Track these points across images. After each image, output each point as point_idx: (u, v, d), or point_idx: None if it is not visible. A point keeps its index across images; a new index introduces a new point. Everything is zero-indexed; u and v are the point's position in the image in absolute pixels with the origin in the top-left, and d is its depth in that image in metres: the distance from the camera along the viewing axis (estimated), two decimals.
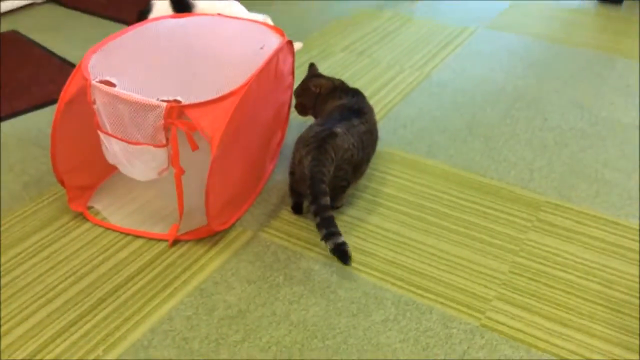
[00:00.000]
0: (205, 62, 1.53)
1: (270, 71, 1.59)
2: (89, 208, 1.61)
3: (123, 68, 1.45)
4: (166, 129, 1.33)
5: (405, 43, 2.66)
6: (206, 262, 1.46)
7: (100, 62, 1.45)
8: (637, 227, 1.60)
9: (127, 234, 1.53)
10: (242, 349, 1.24)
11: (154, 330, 1.28)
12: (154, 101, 1.32)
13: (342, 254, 1.40)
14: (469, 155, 1.89)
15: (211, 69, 1.51)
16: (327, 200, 1.41)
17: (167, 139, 1.35)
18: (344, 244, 1.40)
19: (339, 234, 1.40)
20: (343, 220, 1.60)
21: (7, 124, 2.01)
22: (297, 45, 2.20)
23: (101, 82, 1.36)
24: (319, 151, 1.44)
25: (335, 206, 1.62)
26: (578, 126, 2.07)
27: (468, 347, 1.26)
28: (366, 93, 2.12)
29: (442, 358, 1.23)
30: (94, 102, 1.36)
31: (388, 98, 2.21)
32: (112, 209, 1.60)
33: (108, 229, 1.55)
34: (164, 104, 1.31)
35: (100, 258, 1.46)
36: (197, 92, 1.39)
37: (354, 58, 2.52)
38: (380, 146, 1.90)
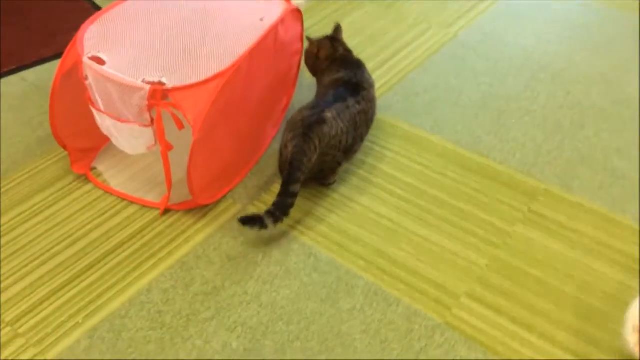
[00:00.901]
0: (202, 36, 1.53)
1: (267, 44, 1.58)
2: (93, 169, 1.69)
3: (117, 41, 1.47)
4: (150, 109, 1.37)
5: None
6: (192, 234, 1.52)
7: (96, 35, 1.47)
8: (635, 227, 1.55)
9: (124, 199, 1.60)
10: (210, 327, 1.32)
11: (132, 301, 1.37)
12: (138, 83, 1.34)
13: (245, 220, 1.43)
14: (475, 133, 1.85)
15: (206, 43, 1.51)
16: (295, 188, 1.44)
17: (152, 119, 1.38)
18: (258, 219, 1.42)
19: (276, 219, 1.43)
20: (332, 198, 1.62)
21: (31, 72, 2.08)
22: (300, 4, 2.15)
23: (92, 58, 1.40)
24: (303, 139, 1.45)
25: (326, 183, 1.64)
26: (599, 104, 1.97)
27: (426, 345, 1.29)
28: (386, 54, 2.07)
29: (397, 353, 1.28)
30: (86, 78, 1.40)
31: (407, 61, 2.15)
32: (113, 172, 1.67)
33: (107, 192, 1.62)
34: (147, 87, 1.34)
35: (95, 222, 1.55)
36: (186, 71, 1.41)
37: (382, 11, 2.44)
38: (386, 115, 1.89)
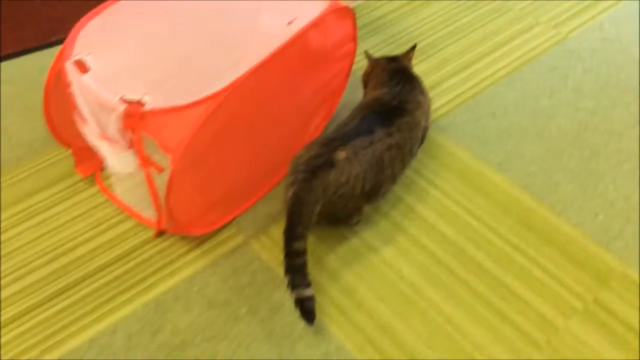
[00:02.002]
0: (210, 42, 1.30)
1: (292, 54, 1.32)
2: (104, 169, 1.55)
3: (113, 42, 1.28)
4: (127, 131, 1.17)
5: None
6: (181, 266, 1.34)
7: (93, 31, 1.29)
8: None
9: (122, 211, 1.45)
10: None
11: (93, 342, 1.22)
12: (112, 101, 1.15)
13: (305, 311, 1.19)
14: (554, 178, 1.48)
15: (213, 52, 1.28)
16: (300, 245, 1.19)
17: (131, 142, 1.19)
18: (309, 299, 1.19)
19: (306, 285, 1.19)
20: (350, 244, 1.36)
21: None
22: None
23: (77, 62, 1.22)
24: (303, 186, 1.20)
25: (348, 223, 1.38)
26: None
27: None
28: (467, 58, 1.74)
29: None
30: (70, 85, 1.23)
31: (492, 68, 1.78)
32: (120, 176, 1.52)
33: (108, 199, 1.48)
34: (122, 107, 1.14)
35: (87, 235, 1.41)
36: (176, 87, 1.19)
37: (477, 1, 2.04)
38: (446, 138, 1.57)
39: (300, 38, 1.31)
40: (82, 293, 1.30)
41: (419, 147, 1.51)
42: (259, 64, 1.22)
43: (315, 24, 1.34)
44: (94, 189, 1.51)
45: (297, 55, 1.35)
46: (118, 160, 1.26)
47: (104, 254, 1.37)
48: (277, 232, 1.38)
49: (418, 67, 1.75)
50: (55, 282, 1.32)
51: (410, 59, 1.53)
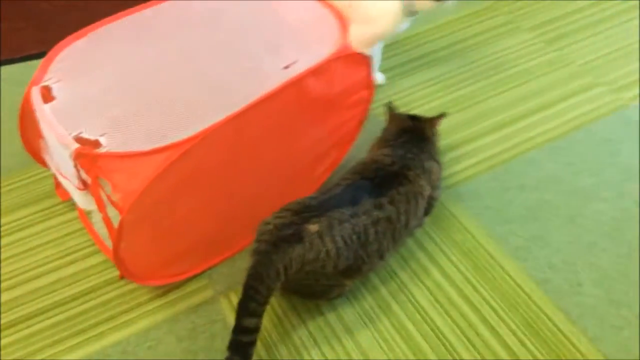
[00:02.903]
0: (191, 77, 1.17)
1: (284, 100, 1.17)
2: None
3: (91, 69, 1.18)
4: (83, 171, 1.07)
5: (620, 42, 1.83)
6: (137, 316, 1.23)
7: (73, 55, 1.19)
8: None
9: (95, 243, 1.35)
10: None
11: None
12: (67, 138, 1.04)
13: None
14: (577, 277, 1.26)
15: (191, 90, 1.15)
16: (251, 323, 1.04)
17: (86, 183, 1.09)
18: None
19: None
20: (325, 322, 1.20)
21: None
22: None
23: (44, 89, 1.12)
24: (261, 260, 1.05)
25: (326, 298, 1.22)
26: None
27: None
28: (507, 115, 1.62)
29: None
30: (34, 111, 1.13)
31: (536, 130, 1.56)
32: None
33: (84, 227, 1.39)
34: (75, 146, 1.03)
35: (51, 265, 1.32)
36: (139, 129, 1.07)
37: (540, 47, 1.82)
38: (461, 209, 1.40)
39: (295, 85, 1.16)
40: (27, 332, 1.21)
41: (426, 217, 1.33)
42: (237, 112, 1.09)
43: (316, 71, 1.19)
44: (73, 214, 1.42)
45: (293, 102, 1.20)
46: (78, 197, 1.16)
47: (63, 289, 1.28)
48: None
49: (449, 120, 1.56)
50: (4, 315, 1.24)
51: (433, 126, 1.33)
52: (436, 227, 1.36)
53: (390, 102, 1.40)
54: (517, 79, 1.71)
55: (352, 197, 1.12)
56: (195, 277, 1.29)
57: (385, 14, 1.50)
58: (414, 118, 1.34)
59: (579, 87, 1.68)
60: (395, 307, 1.22)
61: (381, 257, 1.18)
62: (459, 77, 1.73)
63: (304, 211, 1.09)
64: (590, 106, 1.62)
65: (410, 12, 1.50)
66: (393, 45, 1.82)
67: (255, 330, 1.05)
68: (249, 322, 1.04)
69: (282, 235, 1.05)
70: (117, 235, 1.06)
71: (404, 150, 1.22)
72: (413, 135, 1.26)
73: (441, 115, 1.35)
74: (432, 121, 1.34)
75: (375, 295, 1.24)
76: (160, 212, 1.11)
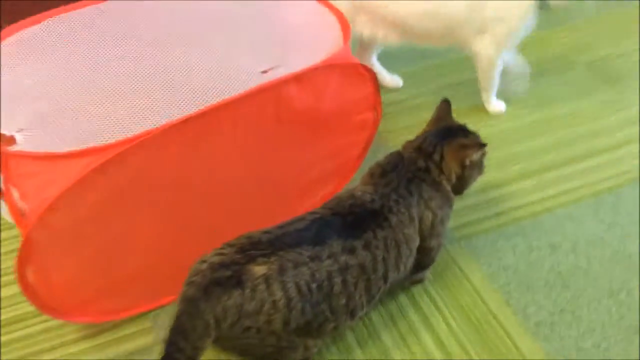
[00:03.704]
0: (157, 77, 0.98)
1: (260, 110, 0.97)
2: None
3: (33, 58, 1.01)
4: None
5: None
6: (59, 358, 1.02)
7: (20, 41, 1.03)
8: None
9: None
10: None
11: None
12: None
13: None
14: None
15: (154, 89, 0.96)
16: None
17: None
18: None
19: None
20: None
21: None
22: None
23: None
24: (188, 308, 0.82)
25: None
26: None
27: None
28: (556, 156, 1.37)
29: None
30: None
31: (580, 180, 1.30)
32: None
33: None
34: None
35: None
36: (73, 128, 0.88)
37: (590, 85, 1.55)
38: (478, 266, 1.14)
39: (270, 92, 0.95)
40: None
41: (426, 270, 1.08)
42: (190, 115, 0.88)
43: (300, 78, 0.98)
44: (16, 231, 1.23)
45: (270, 114, 0.99)
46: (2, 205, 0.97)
47: None
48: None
49: None
50: None
51: (460, 159, 1.01)
52: (438, 284, 1.10)
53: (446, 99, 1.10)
54: (562, 120, 1.45)
55: (315, 234, 0.88)
56: (138, 317, 1.07)
57: (515, 7, 1.32)
58: (430, 142, 1.02)
59: (622, 138, 1.40)
60: None
61: (352, 314, 0.92)
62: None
63: (252, 248, 0.85)
64: (622, 166, 1.33)
65: (542, 5, 1.32)
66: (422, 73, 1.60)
67: None
68: None
69: (216, 278, 0.82)
70: (21, 256, 0.86)
71: (389, 189, 0.97)
72: (406, 173, 0.99)
73: (480, 144, 1.02)
74: (464, 151, 1.01)
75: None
76: (85, 232, 0.90)
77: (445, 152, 1.02)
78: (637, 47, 1.67)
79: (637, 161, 1.33)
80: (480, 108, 1.48)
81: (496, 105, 1.47)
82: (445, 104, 1.09)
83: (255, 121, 0.98)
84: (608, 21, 1.77)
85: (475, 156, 1.02)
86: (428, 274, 1.11)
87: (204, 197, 1.01)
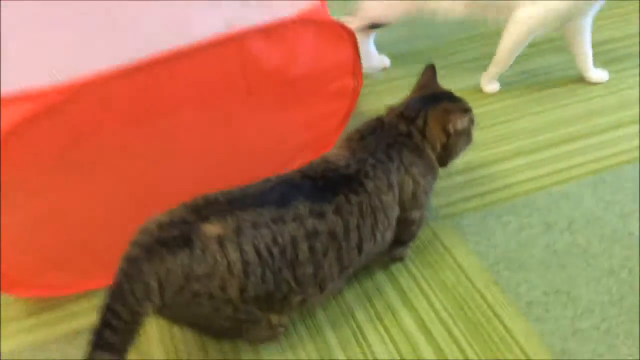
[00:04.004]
0: (110, 24, 0.90)
1: (224, 66, 0.89)
2: None
3: None
4: None
5: None
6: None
7: None
8: None
9: None
10: None
11: None
12: None
13: None
14: (618, 351, 0.87)
15: (107, 36, 0.88)
16: (104, 357, 0.71)
17: None
18: None
19: None
20: None
21: None
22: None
23: None
24: (129, 269, 0.72)
25: (247, 340, 0.88)
26: None
27: None
28: (550, 135, 1.29)
29: None
30: None
31: (579, 159, 1.20)
32: None
33: None
34: None
35: None
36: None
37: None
38: (464, 244, 1.03)
39: (232, 44, 0.87)
40: None
41: (406, 246, 0.98)
42: (141, 62, 0.80)
43: (267, 32, 0.90)
44: None
45: (235, 72, 0.91)
46: None
47: None
48: (155, 321, 0.92)
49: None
50: None
51: (444, 125, 0.92)
52: (420, 261, 1.01)
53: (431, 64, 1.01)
54: (558, 99, 1.37)
55: (280, 196, 0.79)
56: (87, 294, 0.97)
57: None
58: (414, 107, 0.94)
59: (637, 116, 1.31)
60: (340, 358, 0.87)
61: (321, 287, 0.83)
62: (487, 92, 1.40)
63: (206, 207, 0.76)
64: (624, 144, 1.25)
65: None
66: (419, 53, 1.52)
67: None
68: (102, 357, 0.71)
69: (162, 237, 0.73)
70: None
71: (366, 154, 0.87)
72: (384, 137, 0.90)
73: (463, 111, 0.93)
74: (449, 115, 0.92)
75: (318, 341, 0.89)
76: (18, 191, 0.81)
77: (429, 117, 0.93)
78: (637, 31, 1.59)
79: (637, 141, 1.24)
80: (472, 89, 1.40)
81: (493, 85, 1.40)
82: (430, 70, 1.00)
83: (220, 80, 0.90)
84: (607, 8, 1.69)
85: (460, 123, 0.93)
86: (409, 251, 1.01)
87: (165, 164, 0.92)
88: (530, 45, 1.37)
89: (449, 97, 0.98)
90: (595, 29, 1.45)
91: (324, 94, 1.08)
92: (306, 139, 1.11)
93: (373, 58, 1.46)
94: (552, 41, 1.54)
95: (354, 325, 0.91)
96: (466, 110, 0.94)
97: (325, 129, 1.12)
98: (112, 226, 0.90)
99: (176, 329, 0.91)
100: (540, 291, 0.96)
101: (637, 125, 1.28)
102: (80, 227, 0.90)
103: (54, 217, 0.87)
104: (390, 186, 0.86)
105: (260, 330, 0.85)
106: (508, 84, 1.42)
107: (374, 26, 1.39)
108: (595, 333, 0.89)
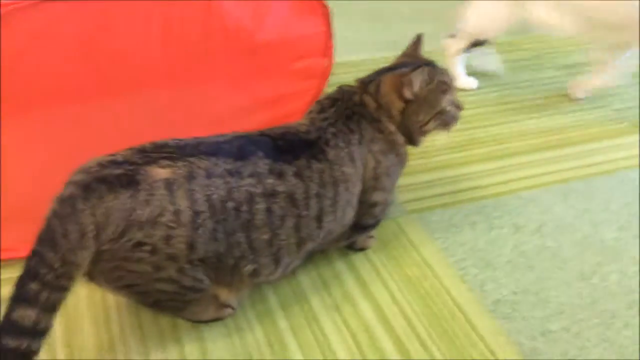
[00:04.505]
0: None
1: (181, 16, 0.82)
2: None
3: None
4: None
5: None
6: None
7: None
8: None
9: None
10: None
11: None
12: None
13: None
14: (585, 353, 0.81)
15: None
16: (28, 317, 0.62)
17: None
18: None
19: None
20: (178, 351, 0.77)
21: None
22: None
23: None
24: (62, 209, 0.64)
25: (191, 320, 0.80)
26: None
27: None
28: (522, 143, 1.28)
29: None
30: None
31: (550, 167, 1.17)
32: None
33: None
34: None
35: None
36: None
37: (566, 83, 1.45)
38: (432, 240, 0.97)
39: None
40: None
41: (364, 233, 0.92)
42: None
43: None
44: None
45: (198, 24, 0.85)
46: None
47: None
48: (86, 297, 0.82)
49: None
50: None
51: (396, 87, 0.83)
52: (383, 253, 0.94)
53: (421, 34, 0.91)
54: (533, 111, 1.34)
55: (238, 149, 0.72)
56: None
57: None
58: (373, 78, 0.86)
59: (613, 131, 1.29)
60: (293, 347, 0.78)
61: (276, 259, 0.75)
62: (462, 99, 1.36)
63: (155, 150, 0.68)
64: (623, 153, 1.23)
65: None
66: None
67: (33, 333, 0.62)
68: (24, 314, 0.61)
69: (102, 175, 0.65)
70: None
71: (326, 123, 0.81)
72: (346, 108, 0.83)
73: (417, 71, 0.81)
74: (396, 79, 0.83)
75: (267, 325, 0.81)
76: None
77: (382, 82, 0.84)
78: None
79: (612, 156, 1.22)
80: None
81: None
82: (417, 40, 0.91)
83: (179, 31, 0.83)
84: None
85: (414, 84, 0.82)
86: (372, 242, 0.94)
87: (117, 117, 0.84)
88: (521, 59, 1.35)
89: (424, 64, 0.85)
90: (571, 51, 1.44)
91: (291, 70, 1.02)
92: (273, 116, 1.04)
93: (462, 78, 1.43)
94: (542, 57, 1.53)
95: (309, 312, 0.83)
96: (423, 69, 0.83)
97: (293, 109, 1.05)
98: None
99: (111, 303, 0.82)
100: (509, 290, 0.90)
101: (615, 140, 1.26)
102: (20, 185, 0.81)
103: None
104: (352, 159, 0.80)
105: (204, 306, 0.77)
106: (486, 93, 1.39)
107: (476, 44, 1.37)
108: (566, 335, 0.84)
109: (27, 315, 0.62)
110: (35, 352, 0.63)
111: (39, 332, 0.63)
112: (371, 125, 0.84)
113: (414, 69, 0.81)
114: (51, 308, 0.63)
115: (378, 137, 0.84)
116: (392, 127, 0.85)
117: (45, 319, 0.63)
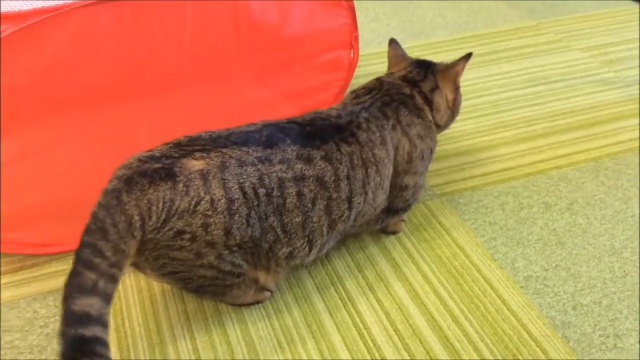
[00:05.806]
0: None
1: (216, 16, 0.86)
2: None
3: None
4: None
5: None
6: None
7: None
8: None
9: None
10: None
11: None
12: None
13: None
14: (613, 326, 0.83)
15: None
16: (89, 305, 0.65)
17: None
18: None
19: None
20: (209, 345, 0.81)
21: None
22: None
23: None
24: (109, 201, 0.68)
25: (229, 303, 0.84)
26: None
27: None
28: (551, 124, 1.27)
29: None
30: None
31: (575, 147, 1.17)
32: None
33: None
34: None
35: None
36: None
37: (588, 66, 1.45)
38: (462, 222, 0.99)
39: None
40: None
41: (395, 218, 0.94)
42: None
43: None
44: None
45: (226, 22, 0.89)
46: None
47: None
48: (134, 284, 0.87)
49: (464, 124, 1.20)
50: None
51: (453, 78, 0.93)
52: (415, 236, 0.97)
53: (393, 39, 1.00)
54: (561, 93, 1.34)
55: (267, 138, 0.76)
56: (66, 255, 0.93)
57: None
58: (420, 64, 0.94)
59: (637, 109, 1.29)
60: (330, 327, 0.82)
61: (309, 241, 0.79)
62: (490, 84, 1.37)
63: (190, 143, 0.73)
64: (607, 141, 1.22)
65: None
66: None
67: (97, 319, 0.65)
68: (84, 303, 0.65)
69: (142, 169, 0.69)
70: None
71: (359, 108, 0.85)
72: (383, 95, 0.88)
73: (463, 59, 0.92)
74: (449, 70, 0.92)
75: (305, 307, 0.85)
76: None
77: (437, 76, 0.93)
78: (637, 36, 1.58)
79: (637, 133, 1.21)
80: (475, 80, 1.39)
81: None
82: (396, 43, 0.99)
83: (210, 29, 0.88)
84: (607, 15, 1.69)
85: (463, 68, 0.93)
86: (404, 226, 0.97)
87: (151, 115, 0.89)
88: (536, 44, 1.36)
89: (432, 62, 0.97)
90: (592, 32, 1.44)
91: (317, 63, 1.05)
92: (300, 108, 1.07)
93: None
94: (556, 42, 1.53)
95: (344, 294, 0.87)
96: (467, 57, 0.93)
97: (321, 100, 1.09)
98: (93, 185, 0.87)
99: (156, 290, 0.87)
100: (539, 267, 0.92)
101: (636, 119, 1.26)
102: (60, 182, 0.86)
103: (32, 167, 0.83)
104: (384, 142, 0.83)
105: (244, 290, 0.81)
106: (512, 77, 1.40)
107: None
108: (597, 308, 0.85)
109: (88, 303, 0.65)
110: (101, 341, 0.65)
111: (100, 320, 0.65)
112: (411, 113, 0.88)
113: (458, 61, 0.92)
114: (108, 298, 0.67)
115: (417, 121, 0.89)
116: (430, 116, 0.91)
117: (104, 306, 0.66)
